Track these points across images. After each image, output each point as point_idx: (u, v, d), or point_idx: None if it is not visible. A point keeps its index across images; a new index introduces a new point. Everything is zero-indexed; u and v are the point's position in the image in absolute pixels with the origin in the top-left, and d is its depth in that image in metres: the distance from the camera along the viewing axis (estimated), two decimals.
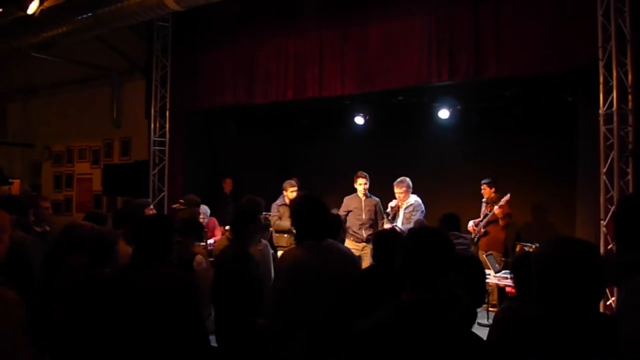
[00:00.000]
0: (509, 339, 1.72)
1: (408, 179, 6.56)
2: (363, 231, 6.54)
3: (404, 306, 1.82)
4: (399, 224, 6.44)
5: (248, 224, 3.33)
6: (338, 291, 2.69)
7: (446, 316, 1.79)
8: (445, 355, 1.70)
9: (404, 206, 6.52)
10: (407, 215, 6.44)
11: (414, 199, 6.54)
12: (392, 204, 6.63)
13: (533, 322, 1.66)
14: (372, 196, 6.75)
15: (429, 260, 1.82)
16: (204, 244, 5.93)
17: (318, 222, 2.80)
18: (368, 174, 6.78)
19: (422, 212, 6.47)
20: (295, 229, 2.92)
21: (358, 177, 6.72)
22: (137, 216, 4.27)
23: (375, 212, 6.67)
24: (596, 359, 1.56)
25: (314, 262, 2.72)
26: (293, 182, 7.02)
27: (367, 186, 6.68)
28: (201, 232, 4.24)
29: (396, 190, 6.52)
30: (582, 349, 1.55)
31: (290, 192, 6.80)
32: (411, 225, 6.19)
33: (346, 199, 6.83)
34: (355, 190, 6.79)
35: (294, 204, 2.96)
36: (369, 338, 1.76)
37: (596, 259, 1.64)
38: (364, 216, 6.59)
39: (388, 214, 6.59)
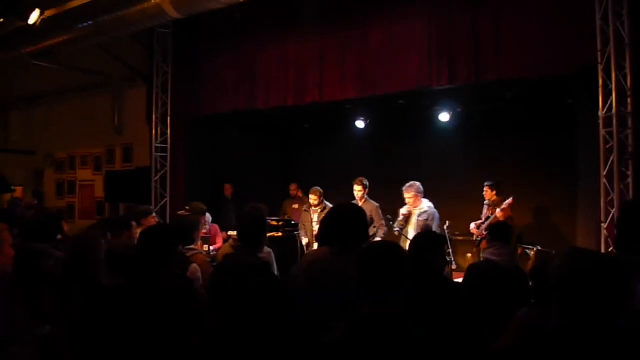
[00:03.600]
0: (529, 347, 1.74)
1: (418, 183, 6.22)
2: None
3: (361, 319, 1.86)
4: (411, 232, 6.09)
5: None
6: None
7: (403, 327, 1.82)
8: None
9: (417, 213, 6.16)
10: (422, 224, 6.06)
11: (427, 205, 6.20)
12: (404, 210, 6.22)
13: (554, 332, 1.67)
14: (370, 201, 6.62)
15: (383, 274, 1.86)
16: (206, 250, 5.94)
17: (352, 230, 2.83)
18: (369, 178, 6.71)
19: (438, 219, 6.16)
20: (325, 234, 2.94)
21: (354, 183, 6.58)
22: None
23: (372, 218, 6.38)
24: None
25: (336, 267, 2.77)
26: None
27: (362, 192, 6.51)
28: (190, 236, 4.20)
29: (405, 195, 6.19)
30: None
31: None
32: None
33: None
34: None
35: (332, 211, 3.01)
36: (328, 351, 1.80)
37: (618, 273, 1.64)
38: None
39: (389, 219, 6.35)
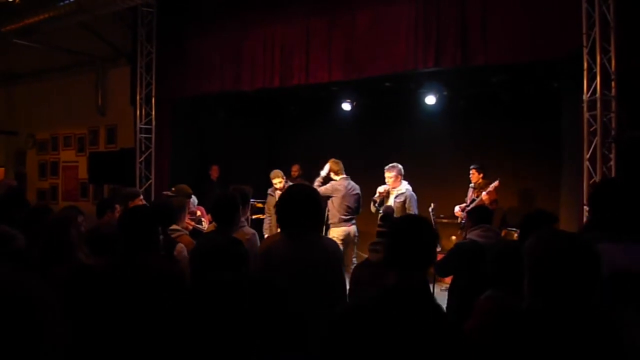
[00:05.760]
0: (495, 330, 1.74)
1: (400, 166, 6.47)
2: None
3: (389, 289, 1.88)
4: None
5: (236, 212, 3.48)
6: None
7: (429, 301, 1.85)
8: (423, 339, 1.75)
9: (395, 194, 6.40)
10: (398, 205, 6.27)
11: (405, 187, 6.42)
12: (381, 189, 6.51)
13: (527, 314, 1.68)
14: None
15: (417, 246, 1.91)
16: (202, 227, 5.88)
17: (309, 213, 2.83)
18: (355, 160, 6.82)
19: (415, 202, 6.36)
20: (280, 217, 2.94)
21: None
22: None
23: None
24: (592, 354, 1.58)
25: (292, 253, 2.77)
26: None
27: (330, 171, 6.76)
28: (172, 217, 4.19)
29: (386, 174, 6.44)
30: (578, 344, 1.57)
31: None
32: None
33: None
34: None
35: (285, 193, 2.99)
36: (348, 319, 1.84)
37: (591, 254, 1.64)
38: None
39: (375, 201, 6.53)
